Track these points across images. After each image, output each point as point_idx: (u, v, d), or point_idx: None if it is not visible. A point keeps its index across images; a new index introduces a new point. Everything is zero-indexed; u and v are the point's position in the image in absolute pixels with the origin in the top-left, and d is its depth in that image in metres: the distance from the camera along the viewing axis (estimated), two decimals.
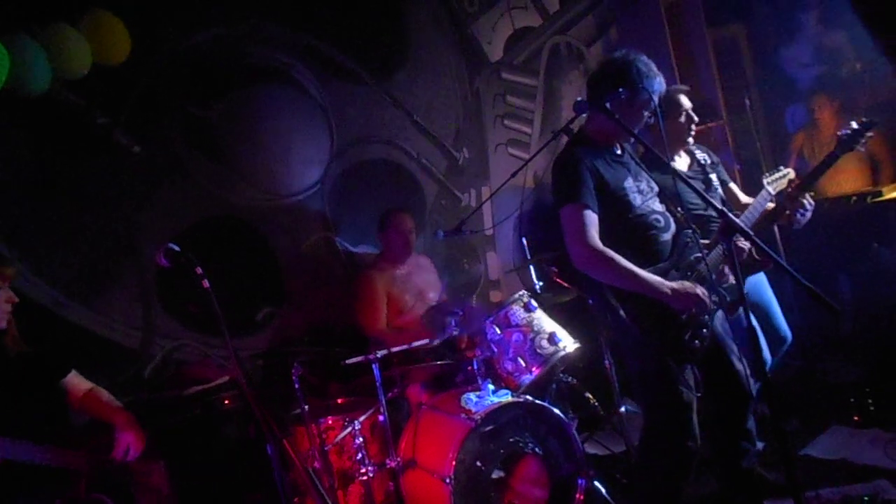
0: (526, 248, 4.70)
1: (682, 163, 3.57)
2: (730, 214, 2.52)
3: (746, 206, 3.32)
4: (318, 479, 3.52)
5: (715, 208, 2.28)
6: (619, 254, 2.53)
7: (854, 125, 3.11)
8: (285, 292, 4.45)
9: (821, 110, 5.59)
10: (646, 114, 2.65)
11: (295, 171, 4.54)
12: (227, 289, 3.53)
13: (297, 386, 3.32)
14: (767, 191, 3.23)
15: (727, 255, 2.41)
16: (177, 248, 2.07)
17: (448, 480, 3.03)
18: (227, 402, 3.72)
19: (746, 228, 2.44)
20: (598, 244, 2.54)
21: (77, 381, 2.56)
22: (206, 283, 1.89)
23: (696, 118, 3.48)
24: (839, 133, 3.14)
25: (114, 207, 3.91)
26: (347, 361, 3.21)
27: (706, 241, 2.76)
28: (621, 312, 2.59)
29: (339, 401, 3.88)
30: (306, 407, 3.38)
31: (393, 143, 4.99)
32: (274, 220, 4.45)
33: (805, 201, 3.07)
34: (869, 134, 3.10)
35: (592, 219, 2.55)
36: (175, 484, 2.58)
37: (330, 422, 3.62)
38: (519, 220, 5.30)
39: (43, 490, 2.20)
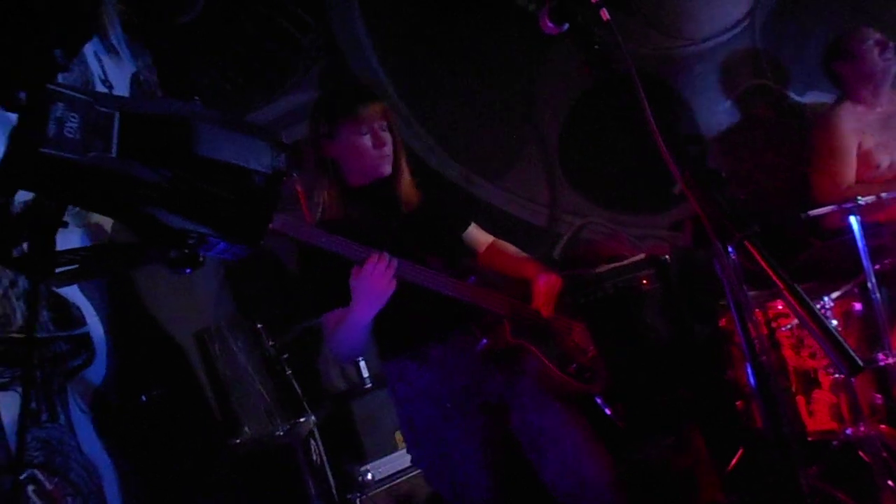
0: None
1: None
2: None
3: None
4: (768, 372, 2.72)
5: None
6: None
7: None
8: (706, 157, 3.63)
9: None
10: None
11: (715, 5, 3.62)
12: (637, 160, 2.98)
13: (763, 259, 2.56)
14: None
15: None
16: None
17: None
18: (644, 281, 3.15)
19: None
20: None
21: (479, 234, 2.21)
22: (605, 15, 1.27)
23: None
24: None
25: (511, 75, 3.63)
26: (813, 213, 2.28)
27: None
28: None
29: None
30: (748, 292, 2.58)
31: None
32: (689, 72, 3.64)
33: None
34: None
35: None
36: (600, 350, 2.09)
37: (780, 307, 2.74)
38: None
39: (468, 327, 1.94)
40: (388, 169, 1.99)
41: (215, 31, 3.50)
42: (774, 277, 0.93)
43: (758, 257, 0.94)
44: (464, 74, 3.64)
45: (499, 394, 1.95)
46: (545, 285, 1.99)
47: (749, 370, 1.02)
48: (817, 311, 0.92)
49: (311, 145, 1.98)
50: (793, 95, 3.63)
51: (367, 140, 1.94)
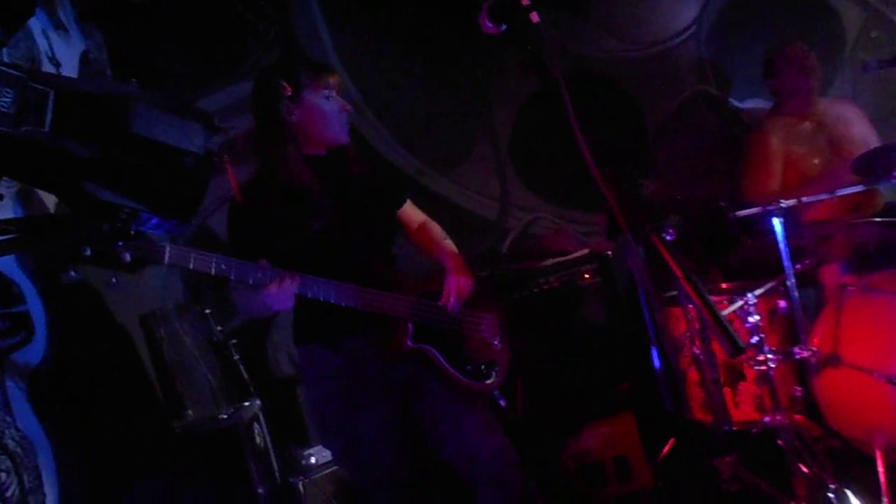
0: None
1: None
2: None
3: None
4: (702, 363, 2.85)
5: None
6: None
7: None
8: (652, 159, 3.77)
9: None
10: None
11: (664, 12, 3.74)
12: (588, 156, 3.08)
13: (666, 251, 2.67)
14: None
15: None
16: None
17: None
18: (586, 276, 3.25)
19: None
20: None
21: (412, 212, 2.23)
22: (535, 17, 1.33)
23: None
24: None
25: (466, 70, 3.69)
26: (739, 213, 2.40)
27: None
28: None
29: (723, 286, 3.09)
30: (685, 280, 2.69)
31: None
32: (639, 75, 3.76)
33: None
34: None
35: None
36: (511, 340, 2.14)
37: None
38: None
39: (364, 337, 1.96)
40: (347, 137, 2.00)
41: (170, 13, 3.46)
42: (673, 266, 1.01)
43: (660, 248, 1.02)
44: (420, 68, 3.69)
45: (404, 378, 1.99)
46: (455, 284, 2.00)
47: (653, 353, 1.10)
48: (710, 299, 1.01)
49: (268, 110, 1.92)
50: (733, 101, 3.78)
51: (331, 105, 1.95)
